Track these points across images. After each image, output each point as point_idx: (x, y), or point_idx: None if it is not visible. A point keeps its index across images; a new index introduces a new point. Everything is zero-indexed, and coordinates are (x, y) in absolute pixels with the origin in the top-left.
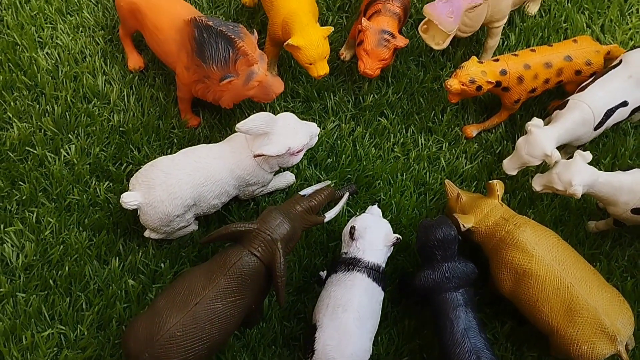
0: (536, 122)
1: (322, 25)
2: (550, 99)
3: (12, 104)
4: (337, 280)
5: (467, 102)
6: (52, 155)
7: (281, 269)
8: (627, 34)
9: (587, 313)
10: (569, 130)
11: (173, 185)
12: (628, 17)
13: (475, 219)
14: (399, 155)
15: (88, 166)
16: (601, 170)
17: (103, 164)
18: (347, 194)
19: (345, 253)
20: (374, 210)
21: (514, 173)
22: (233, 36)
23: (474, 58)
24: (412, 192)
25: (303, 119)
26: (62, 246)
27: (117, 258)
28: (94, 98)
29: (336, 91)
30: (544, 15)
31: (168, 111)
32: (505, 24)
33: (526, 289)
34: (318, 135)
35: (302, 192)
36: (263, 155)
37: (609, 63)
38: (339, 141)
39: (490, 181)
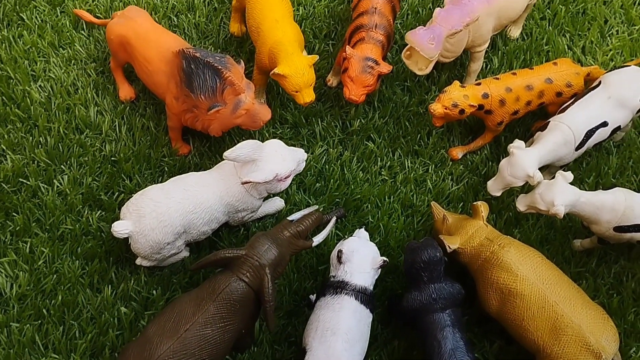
0: (518, 144)
1: (309, 52)
2: (533, 120)
3: (5, 136)
4: (325, 303)
5: (452, 124)
6: (45, 186)
7: (269, 293)
8: (607, 55)
9: (571, 331)
10: (551, 151)
11: (163, 214)
12: (608, 38)
13: (460, 240)
14: (386, 178)
15: (81, 196)
16: (585, 189)
17: (95, 193)
18: (334, 218)
19: (334, 276)
20: (361, 234)
21: (499, 194)
22: (220, 67)
23: (456, 82)
24: (400, 215)
25: (291, 145)
26: (55, 275)
27: (110, 286)
28: (86, 129)
29: (324, 117)
30: (526, 38)
31: (159, 140)
32: (488, 48)
33: (512, 309)
34: (306, 161)
35: (290, 218)
36: (251, 182)
37: (590, 84)
38: (327, 166)
39: (475, 203)
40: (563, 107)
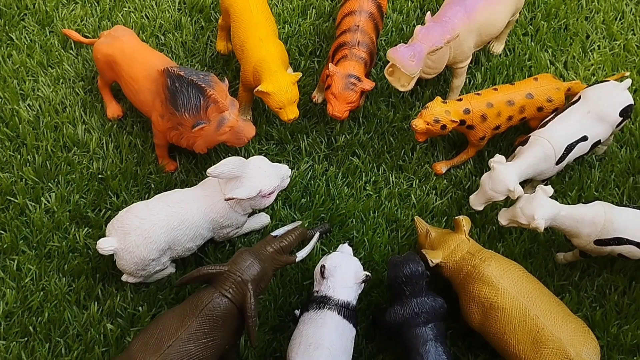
0: (498, 158)
1: (294, 69)
2: (516, 135)
3: None
4: (308, 318)
5: (436, 139)
6: (33, 204)
7: (252, 309)
8: (589, 70)
9: (552, 344)
10: (531, 165)
11: (148, 230)
12: (590, 53)
13: (443, 255)
14: (371, 193)
15: (68, 213)
16: (568, 202)
17: (82, 210)
18: (317, 233)
19: (317, 291)
20: (345, 249)
21: (481, 208)
22: (203, 85)
23: (438, 98)
24: (384, 229)
25: (277, 161)
26: (42, 293)
27: (96, 303)
28: (74, 147)
29: (309, 133)
30: (508, 54)
31: (146, 157)
32: (471, 64)
33: (494, 322)
34: (291, 177)
35: (274, 233)
36: (234, 198)
37: (571, 99)
38: (312, 181)
39: (457, 217)
40: (544, 121)
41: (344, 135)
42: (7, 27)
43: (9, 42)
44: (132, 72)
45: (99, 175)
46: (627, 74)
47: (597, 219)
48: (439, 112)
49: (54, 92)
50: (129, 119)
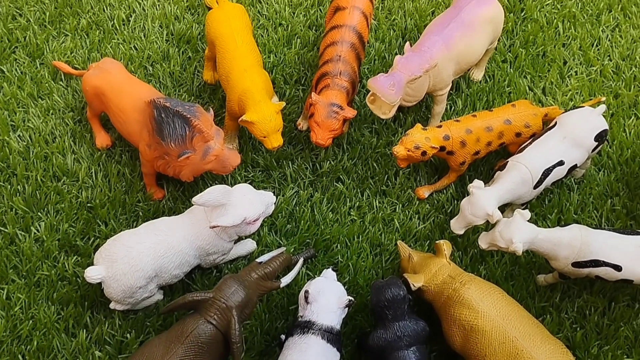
0: (477, 183)
1: (280, 98)
2: (497, 159)
3: None
4: (293, 343)
5: (418, 165)
6: (23, 233)
7: (236, 335)
8: (567, 95)
9: None
10: (509, 190)
11: (134, 258)
12: (567, 79)
13: (424, 278)
14: (355, 218)
15: (57, 242)
16: (547, 225)
17: (71, 239)
18: (302, 259)
19: (301, 316)
20: (328, 274)
21: (461, 232)
22: (188, 115)
23: (418, 125)
24: (369, 254)
25: (263, 188)
26: (31, 321)
27: (85, 330)
28: (64, 176)
29: (294, 159)
30: (488, 80)
31: (134, 186)
32: (452, 90)
33: (474, 345)
34: (277, 203)
35: (259, 260)
36: (219, 226)
37: (548, 124)
38: (297, 207)
39: (438, 241)
40: (522, 147)
41: (328, 162)
42: None
43: (0, 74)
44: (120, 104)
45: (88, 204)
46: (604, 99)
47: (574, 242)
48: (419, 139)
49: (44, 122)
50: (118, 149)
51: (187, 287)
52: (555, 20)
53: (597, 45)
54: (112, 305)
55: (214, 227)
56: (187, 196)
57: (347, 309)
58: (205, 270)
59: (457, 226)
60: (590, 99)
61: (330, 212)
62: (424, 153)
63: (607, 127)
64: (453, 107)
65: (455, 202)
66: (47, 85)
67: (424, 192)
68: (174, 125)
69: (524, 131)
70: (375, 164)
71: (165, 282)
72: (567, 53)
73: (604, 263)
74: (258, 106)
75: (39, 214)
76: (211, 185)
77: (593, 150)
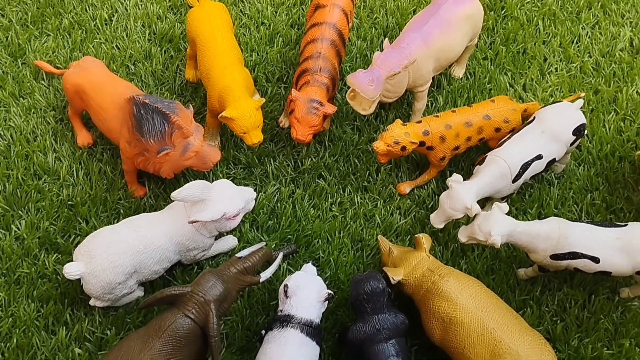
0: (456, 177)
1: (262, 95)
2: (477, 155)
3: None
4: (272, 337)
5: (400, 161)
6: (3, 231)
7: (214, 329)
8: (547, 92)
9: (510, 357)
10: (488, 184)
11: (113, 254)
12: (547, 75)
13: (404, 272)
14: (337, 214)
15: (37, 240)
16: (528, 220)
17: (52, 237)
18: (281, 254)
19: (281, 311)
20: (308, 268)
21: (441, 226)
22: (167, 111)
23: (398, 121)
24: (350, 249)
25: (245, 185)
26: (10, 319)
27: (65, 327)
28: (45, 175)
29: (276, 156)
30: (469, 77)
31: (115, 184)
32: (433, 87)
33: (453, 337)
34: (258, 200)
35: (238, 254)
36: (198, 221)
37: (527, 119)
38: (279, 204)
39: (417, 235)
40: (501, 141)
41: (310, 158)
42: None
43: None
44: (101, 101)
45: (69, 202)
46: (583, 94)
47: (552, 234)
48: (399, 134)
49: (25, 121)
50: (99, 147)
51: (167, 284)
52: (535, 18)
53: (577, 43)
54: (92, 302)
55: (193, 222)
56: (169, 193)
57: (326, 302)
58: (186, 266)
59: (437, 220)
60: (570, 95)
61: (311, 209)
62: (403, 148)
63: (585, 122)
64: (434, 104)
65: (436, 197)
66: (28, 84)
67: (405, 187)
68: (153, 121)
69: (503, 126)
70: (356, 161)
71: (145, 278)
72: (548, 50)
73: (582, 255)
74: (238, 102)
75: (20, 212)
76: None
77: (571, 144)
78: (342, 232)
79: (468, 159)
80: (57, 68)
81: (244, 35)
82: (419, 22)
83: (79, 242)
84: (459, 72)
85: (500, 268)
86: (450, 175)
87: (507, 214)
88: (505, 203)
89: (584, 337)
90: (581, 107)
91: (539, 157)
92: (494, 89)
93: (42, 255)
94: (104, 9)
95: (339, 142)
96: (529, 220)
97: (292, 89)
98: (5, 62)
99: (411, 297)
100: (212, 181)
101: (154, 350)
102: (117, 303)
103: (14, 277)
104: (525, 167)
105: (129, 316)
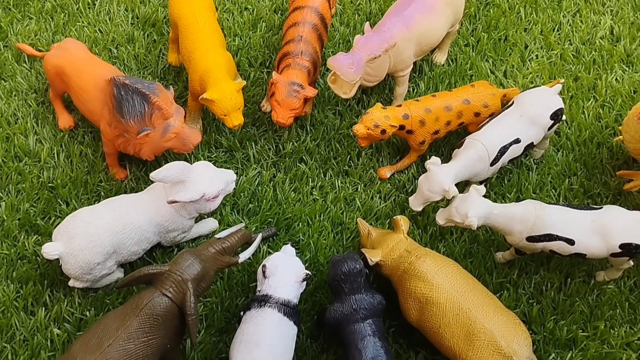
0: (434, 160)
1: (244, 80)
2: (458, 140)
3: None
4: (250, 317)
5: (380, 145)
6: None
7: (191, 307)
8: (527, 78)
9: (484, 336)
10: (466, 167)
11: (92, 234)
12: (528, 62)
13: (382, 253)
14: (317, 198)
15: (17, 221)
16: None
17: (32, 218)
18: (260, 235)
19: (259, 291)
20: (287, 249)
21: (420, 209)
22: (147, 92)
23: (378, 104)
24: (330, 232)
25: (226, 168)
26: None
27: (44, 308)
28: (25, 157)
29: (258, 140)
30: (451, 63)
31: (96, 166)
32: (415, 73)
33: (429, 317)
34: (240, 183)
35: (217, 235)
36: (176, 201)
37: (506, 104)
38: (260, 187)
39: (395, 217)
40: (480, 125)
41: (291, 143)
42: None
43: None
44: (81, 83)
45: (50, 184)
46: (563, 81)
47: (528, 216)
48: (379, 117)
49: (6, 104)
50: (81, 130)
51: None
52: (517, 6)
53: (558, 30)
54: (71, 283)
55: (172, 202)
56: (150, 176)
57: (304, 283)
58: (166, 248)
59: (416, 203)
60: (550, 82)
61: (292, 192)
62: (383, 131)
63: (563, 106)
64: (416, 90)
65: (416, 181)
66: (10, 67)
67: (386, 172)
68: (133, 102)
69: (482, 111)
70: (338, 145)
71: (124, 259)
72: (529, 37)
73: (557, 237)
74: (218, 85)
75: (0, 194)
76: None
77: (549, 128)
78: (322, 215)
79: (448, 144)
80: (39, 51)
81: (227, 20)
82: (400, 7)
83: (59, 224)
84: (441, 58)
85: (478, 251)
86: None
87: (487, 198)
88: (483, 186)
89: (559, 319)
90: (561, 94)
91: (517, 141)
92: (475, 76)
93: (22, 236)
94: None
95: (321, 126)
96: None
97: (273, 72)
98: None
99: (389, 279)
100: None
101: (130, 329)
102: (96, 284)
103: None
104: (503, 150)
105: (109, 297)
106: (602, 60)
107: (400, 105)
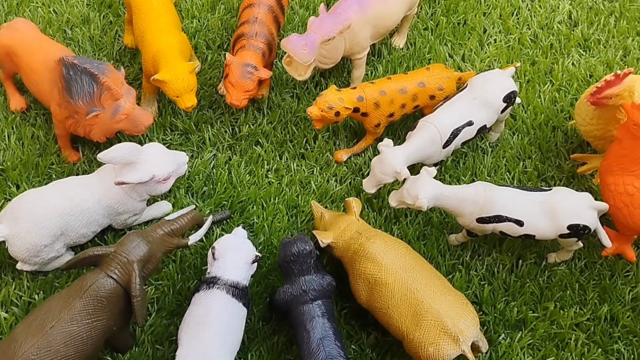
0: (386, 142)
1: (202, 63)
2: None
3: None
4: (198, 298)
5: (337, 128)
6: None
7: (137, 289)
8: (485, 62)
9: (431, 316)
10: (419, 149)
11: (39, 216)
12: (486, 46)
13: (334, 235)
14: (273, 180)
15: None
16: None
17: None
18: (211, 217)
19: (209, 273)
20: (239, 231)
21: (373, 191)
22: (96, 72)
23: (332, 87)
24: (285, 215)
25: (181, 151)
26: None
27: None
28: None
29: (214, 123)
30: (410, 47)
31: (48, 149)
32: (374, 57)
33: (378, 298)
34: (194, 166)
35: (167, 217)
36: (124, 182)
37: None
38: (215, 170)
39: (347, 199)
40: (434, 108)
41: (247, 125)
42: None
43: None
44: (32, 63)
45: (0, 167)
46: (518, 64)
47: (478, 198)
48: (333, 100)
49: None
50: (33, 112)
51: None
52: None
53: (516, 15)
54: (19, 266)
55: (119, 183)
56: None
57: (255, 265)
58: (118, 231)
59: (369, 185)
60: (508, 65)
61: (247, 175)
62: (337, 113)
63: (516, 89)
64: (374, 73)
65: None
66: None
67: (342, 155)
68: (81, 82)
69: (437, 94)
70: (294, 128)
71: (73, 241)
72: (487, 22)
73: (506, 218)
74: (170, 65)
75: None
76: None
77: (502, 111)
78: (277, 198)
79: (405, 127)
80: None
81: (185, 1)
82: None
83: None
84: (399, 42)
85: (432, 234)
86: None
87: (442, 181)
88: (434, 167)
89: (510, 300)
90: (517, 78)
91: (470, 123)
92: (434, 59)
93: None
94: None
95: (278, 109)
96: None
97: (227, 54)
98: None
99: (341, 260)
100: None
101: (74, 310)
102: (46, 267)
103: None
104: (455, 133)
105: (58, 280)
106: (559, 45)
107: (355, 88)
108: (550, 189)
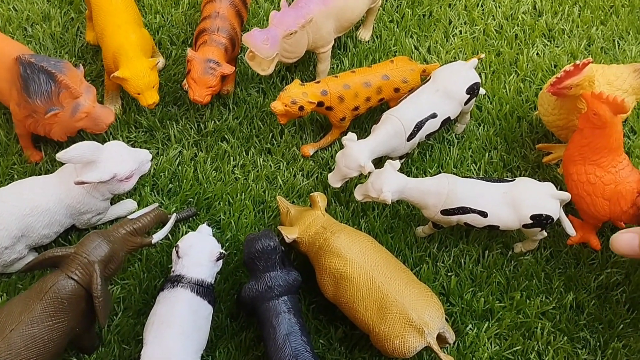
0: (350, 136)
1: (166, 59)
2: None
3: None
4: (163, 297)
5: (304, 123)
6: None
7: (98, 289)
8: (450, 54)
9: (396, 309)
10: (383, 142)
11: None
12: (452, 38)
13: (299, 230)
14: (239, 176)
15: None
16: None
17: None
18: (175, 215)
19: (173, 271)
20: (203, 229)
21: (339, 185)
22: (54, 70)
23: (296, 81)
24: (251, 211)
25: (146, 149)
26: None
27: None
28: None
29: (179, 120)
30: (375, 40)
31: (10, 149)
32: (339, 50)
33: (344, 292)
34: (159, 163)
35: (131, 216)
36: (84, 182)
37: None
38: (180, 167)
39: (312, 194)
40: (399, 100)
41: (213, 121)
42: None
43: None
44: None
45: None
46: (482, 55)
47: (442, 190)
48: (296, 94)
49: None
50: None
51: None
52: None
53: (481, 6)
54: None
55: (79, 183)
56: (56, 157)
57: (220, 262)
58: (82, 231)
59: (334, 179)
60: (473, 57)
61: (214, 171)
62: (301, 108)
63: (479, 80)
64: (340, 66)
65: None
66: None
67: (309, 149)
68: (39, 81)
69: (401, 86)
70: (260, 123)
71: (35, 242)
72: (453, 13)
73: (470, 210)
74: (131, 62)
75: None
76: None
77: (466, 103)
78: (243, 194)
79: (372, 120)
80: None
81: None
82: None
83: None
84: (365, 34)
85: (399, 226)
86: None
87: (408, 173)
88: (398, 161)
89: (477, 291)
90: (482, 69)
91: (434, 115)
92: (400, 52)
93: None
94: None
95: (243, 104)
96: None
97: (189, 49)
98: None
99: (307, 255)
100: None
101: (34, 313)
102: (8, 269)
103: None
104: (419, 125)
105: (21, 282)
106: (524, 35)
107: (319, 82)
108: (514, 180)
